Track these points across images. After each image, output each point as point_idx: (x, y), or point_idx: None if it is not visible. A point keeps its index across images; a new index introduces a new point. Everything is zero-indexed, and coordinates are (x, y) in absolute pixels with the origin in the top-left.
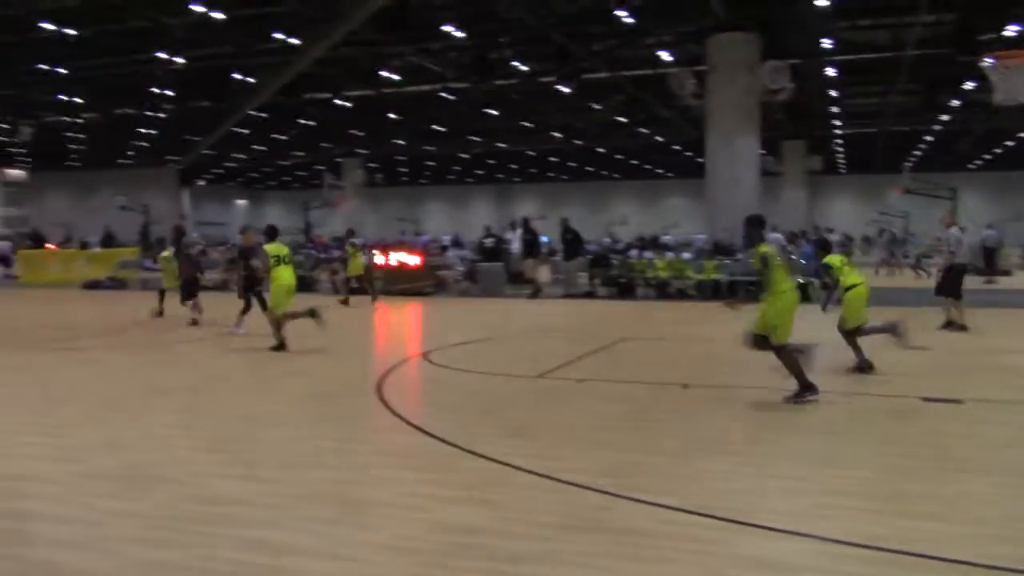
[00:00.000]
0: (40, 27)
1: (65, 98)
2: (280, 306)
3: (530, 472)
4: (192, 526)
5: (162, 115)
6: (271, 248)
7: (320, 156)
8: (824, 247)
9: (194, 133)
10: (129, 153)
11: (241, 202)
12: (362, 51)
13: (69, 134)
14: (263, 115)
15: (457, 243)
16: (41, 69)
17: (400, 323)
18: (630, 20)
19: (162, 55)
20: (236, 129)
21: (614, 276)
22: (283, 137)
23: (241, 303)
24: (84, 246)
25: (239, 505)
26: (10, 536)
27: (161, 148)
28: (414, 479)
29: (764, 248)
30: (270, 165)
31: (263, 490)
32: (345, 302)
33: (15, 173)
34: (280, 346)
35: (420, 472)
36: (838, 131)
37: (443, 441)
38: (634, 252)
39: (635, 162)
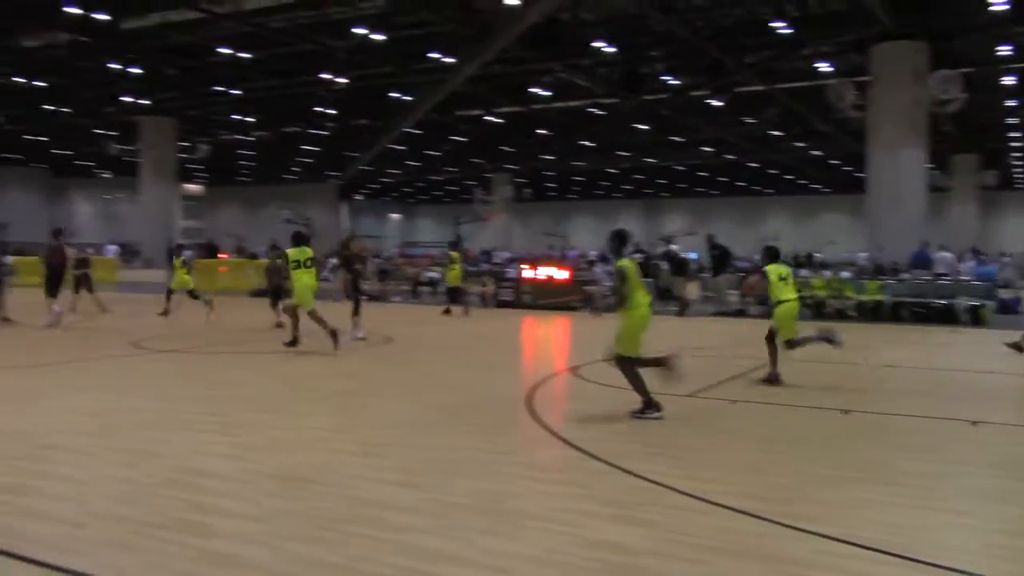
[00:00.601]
0: (218, 52)
1: (238, 118)
2: (303, 304)
3: (682, 492)
4: (348, 527)
5: (324, 133)
6: (292, 252)
7: (470, 171)
8: (771, 256)
9: (353, 150)
10: (294, 169)
11: (395, 216)
12: (513, 68)
13: (241, 152)
14: (417, 132)
15: (604, 258)
16: (218, 91)
17: (548, 337)
18: (787, 31)
19: (326, 76)
20: (392, 146)
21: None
22: (436, 153)
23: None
24: (252, 257)
25: (393, 510)
26: (192, 527)
27: (323, 164)
28: (564, 493)
29: (622, 263)
30: (423, 180)
31: (416, 496)
32: (447, 312)
33: (193, 188)
34: (293, 342)
35: (570, 487)
36: (1016, 143)
37: (593, 456)
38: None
39: (789, 177)
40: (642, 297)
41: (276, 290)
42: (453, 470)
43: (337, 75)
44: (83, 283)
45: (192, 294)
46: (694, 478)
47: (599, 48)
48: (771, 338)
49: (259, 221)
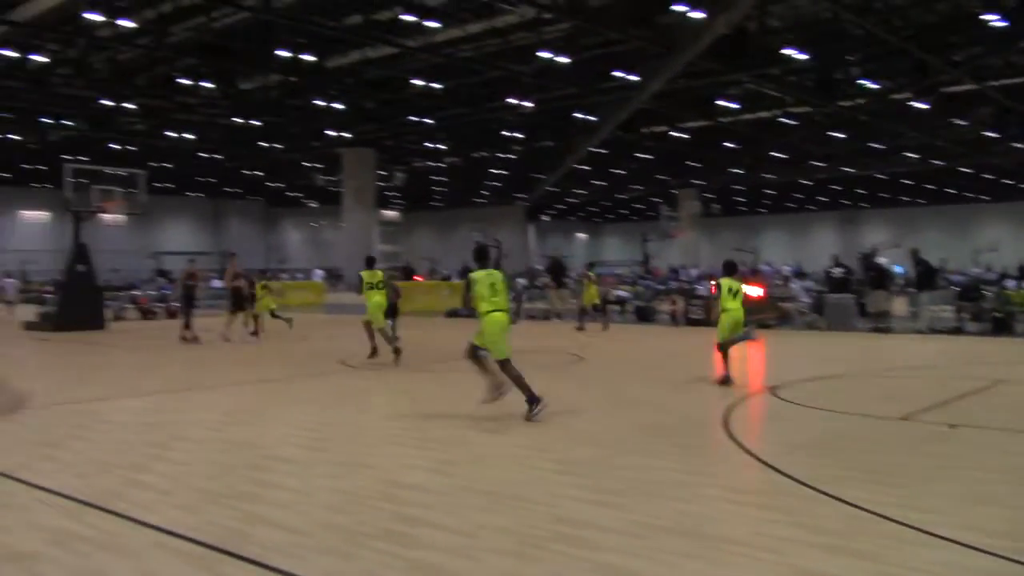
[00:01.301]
0: (412, 83)
1: (431, 146)
2: (374, 321)
3: (900, 523)
4: (550, 544)
5: (512, 156)
6: (365, 275)
7: (656, 188)
8: (728, 270)
9: (540, 172)
10: (483, 193)
11: (582, 236)
12: (699, 82)
13: (433, 177)
14: (602, 151)
15: (799, 273)
16: (412, 121)
17: (742, 356)
18: (1001, 24)
19: (512, 101)
20: (578, 166)
21: (986, 309)
22: (621, 171)
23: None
24: (445, 279)
25: (593, 529)
26: (401, 538)
27: (511, 187)
28: (768, 519)
29: (471, 273)
30: (609, 199)
31: (617, 516)
32: (580, 328)
33: (390, 214)
34: (373, 352)
35: (776, 512)
36: None
37: (797, 481)
38: (1011, 283)
39: (1008, 181)
40: (489, 304)
41: (393, 309)
42: (653, 491)
43: (523, 99)
44: (244, 302)
45: (273, 314)
46: (912, 507)
47: (789, 55)
48: (720, 346)
49: (451, 243)
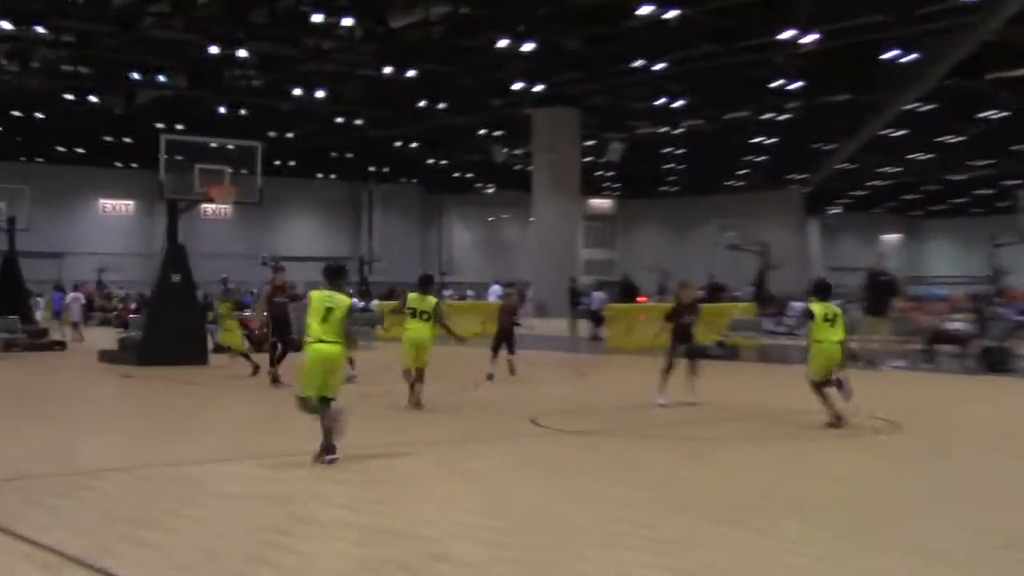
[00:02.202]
0: (635, 13)
1: (662, 103)
2: (411, 361)
3: None
4: None
5: (784, 118)
6: (413, 298)
7: (1013, 165)
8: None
9: (826, 141)
10: (739, 173)
11: (891, 237)
12: None
13: (665, 150)
14: (926, 108)
15: None
16: (635, 68)
17: None
18: None
19: (785, 35)
20: (885, 132)
21: None
22: (955, 139)
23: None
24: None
25: None
26: None
27: (781, 164)
28: None
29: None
30: (934, 181)
31: None
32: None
33: (601, 203)
34: (416, 402)
35: None
36: None
37: None
38: None
39: None
40: (311, 335)
41: (506, 334)
42: None
43: (802, 32)
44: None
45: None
46: None
47: None
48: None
49: (690, 247)
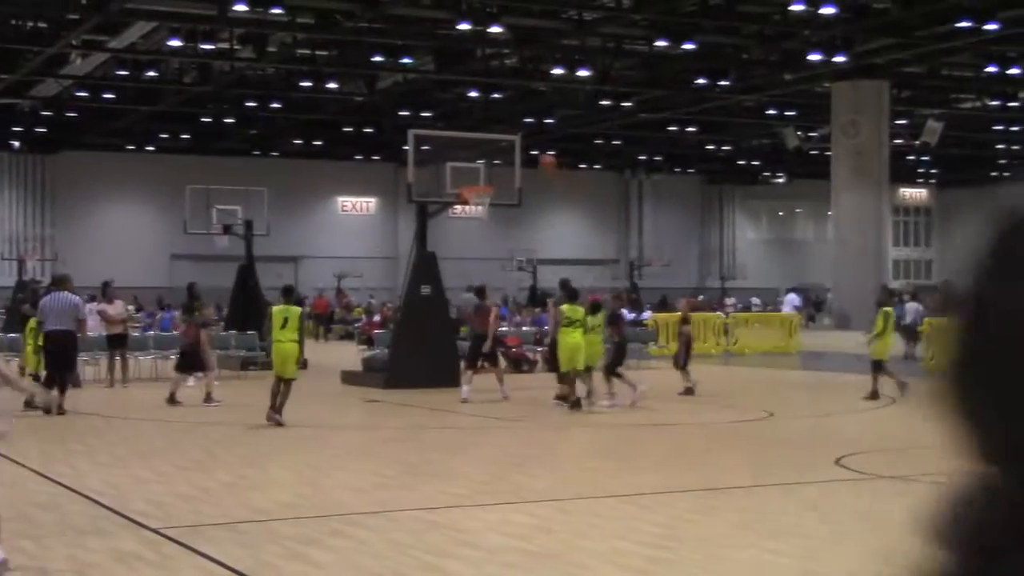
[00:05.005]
0: None
1: (992, 70)
2: (568, 364)
3: None
4: None
5: None
6: (567, 309)
7: None
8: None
9: None
10: None
11: None
12: None
13: (998, 128)
14: None
15: None
16: (960, 28)
17: None
18: None
19: None
20: None
21: None
22: None
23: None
24: None
25: None
26: None
27: None
28: None
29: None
30: None
31: None
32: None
33: (915, 194)
34: (575, 403)
35: None
36: None
37: None
38: None
39: None
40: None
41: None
42: None
43: None
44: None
45: None
46: None
47: None
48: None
49: None
